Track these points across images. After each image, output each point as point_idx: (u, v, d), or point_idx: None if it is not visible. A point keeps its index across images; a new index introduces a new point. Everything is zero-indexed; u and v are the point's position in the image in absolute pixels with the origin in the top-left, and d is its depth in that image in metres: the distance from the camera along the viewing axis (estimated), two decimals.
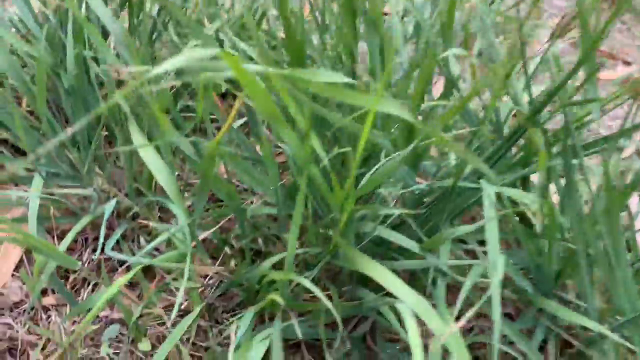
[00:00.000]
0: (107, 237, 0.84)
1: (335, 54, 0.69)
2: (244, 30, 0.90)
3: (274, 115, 0.42)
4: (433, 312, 0.49)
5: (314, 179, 0.54)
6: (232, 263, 0.78)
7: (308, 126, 0.45)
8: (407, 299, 0.51)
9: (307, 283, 0.55)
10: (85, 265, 0.81)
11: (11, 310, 0.76)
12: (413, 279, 0.71)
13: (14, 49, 0.82)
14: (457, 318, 0.48)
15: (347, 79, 0.42)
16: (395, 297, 0.53)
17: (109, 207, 0.74)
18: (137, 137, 0.70)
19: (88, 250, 0.83)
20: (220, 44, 0.81)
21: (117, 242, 0.79)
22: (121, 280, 0.59)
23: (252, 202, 0.86)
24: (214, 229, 0.76)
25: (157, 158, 0.68)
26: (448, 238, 0.61)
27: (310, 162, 0.50)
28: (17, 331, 0.73)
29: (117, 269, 0.82)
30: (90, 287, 0.79)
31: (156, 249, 0.81)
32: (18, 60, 0.83)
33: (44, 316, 0.75)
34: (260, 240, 0.80)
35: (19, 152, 0.92)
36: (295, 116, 0.45)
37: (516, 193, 0.60)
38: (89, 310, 0.67)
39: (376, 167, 0.55)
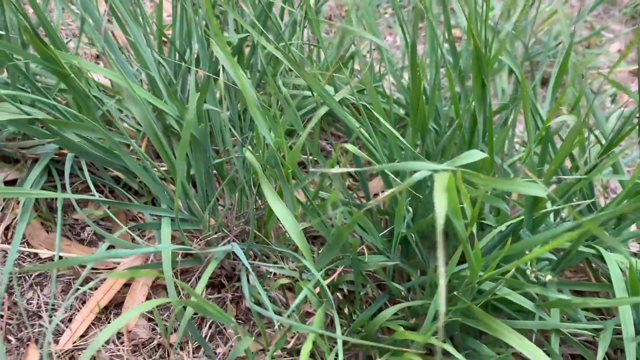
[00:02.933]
0: (229, 278, 0.91)
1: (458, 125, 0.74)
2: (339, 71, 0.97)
3: (456, 211, 0.48)
4: None
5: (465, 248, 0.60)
6: (346, 309, 0.84)
7: (474, 218, 0.51)
8: None
9: (450, 348, 0.61)
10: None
11: (143, 347, 0.83)
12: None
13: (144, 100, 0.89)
14: None
15: (544, 193, 0.47)
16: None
17: (238, 252, 0.80)
18: (269, 193, 0.76)
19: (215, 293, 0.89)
20: None
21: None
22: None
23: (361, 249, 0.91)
24: (332, 277, 0.81)
25: (290, 216, 0.74)
26: (567, 305, 0.65)
27: (467, 242, 0.55)
28: None
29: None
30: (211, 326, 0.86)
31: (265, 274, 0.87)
32: (147, 113, 0.89)
33: (172, 355, 0.82)
34: (370, 288, 0.85)
35: (137, 194, 0.99)
36: (466, 208, 0.51)
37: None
38: None
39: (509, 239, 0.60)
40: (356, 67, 1.34)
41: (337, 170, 0.44)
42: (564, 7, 1.72)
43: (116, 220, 0.84)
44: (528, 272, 0.60)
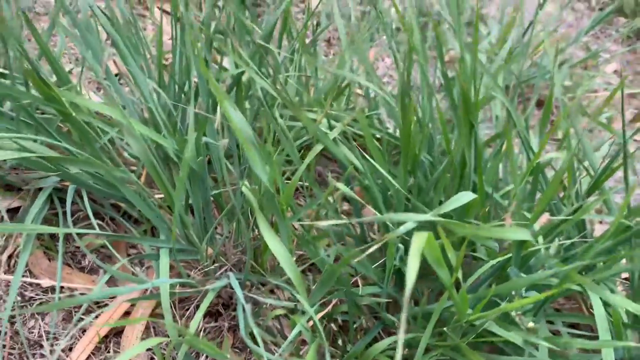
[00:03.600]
0: (226, 306, 0.93)
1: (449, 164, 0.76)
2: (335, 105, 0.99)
3: (439, 261, 0.50)
4: None
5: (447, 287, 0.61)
6: (340, 341, 0.86)
7: (458, 267, 0.53)
8: None
9: None
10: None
11: None
12: None
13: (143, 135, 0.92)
14: None
15: (530, 237, 0.49)
16: None
17: (234, 284, 0.82)
18: (265, 229, 0.78)
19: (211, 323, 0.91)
20: None
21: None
22: None
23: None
24: (327, 310, 0.83)
25: (283, 249, 0.76)
26: (553, 343, 0.67)
27: (452, 287, 0.57)
28: None
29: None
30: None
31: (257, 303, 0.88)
32: (146, 146, 0.92)
33: None
34: (363, 319, 0.87)
35: (137, 222, 1.02)
36: (450, 257, 0.53)
37: (622, 301, 0.66)
38: None
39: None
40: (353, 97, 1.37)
41: (327, 223, 0.46)
42: (560, 28, 1.74)
43: (115, 254, 0.86)
44: (513, 314, 0.62)
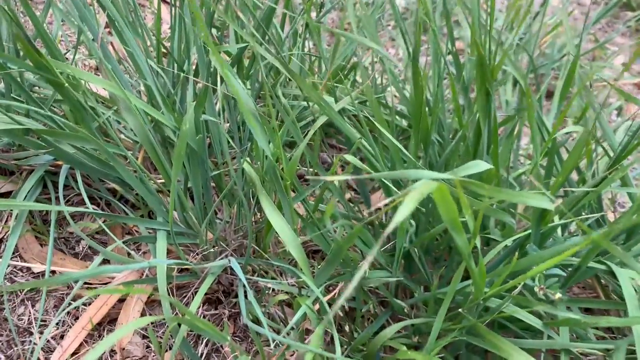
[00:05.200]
0: (226, 294, 0.88)
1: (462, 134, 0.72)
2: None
3: (456, 223, 0.46)
4: None
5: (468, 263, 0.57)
6: (346, 327, 0.81)
7: (476, 231, 0.49)
8: None
9: None
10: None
11: None
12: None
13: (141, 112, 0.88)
14: None
15: (552, 205, 0.45)
16: None
17: (235, 267, 0.77)
18: (268, 206, 0.74)
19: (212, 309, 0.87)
20: None
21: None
22: None
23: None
24: (333, 294, 0.79)
25: (288, 229, 0.72)
26: (577, 324, 0.63)
27: (470, 257, 0.53)
28: None
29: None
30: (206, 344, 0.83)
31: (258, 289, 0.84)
32: (144, 124, 0.88)
33: None
34: (372, 304, 0.82)
35: (133, 207, 0.97)
36: (469, 220, 0.49)
37: None
38: None
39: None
40: (358, 79, 1.33)
41: (336, 178, 0.42)
42: (568, 15, 1.70)
43: (110, 234, 0.82)
44: (536, 289, 0.58)
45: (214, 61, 0.69)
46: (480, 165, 0.60)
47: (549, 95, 1.47)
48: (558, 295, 0.55)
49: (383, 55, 0.69)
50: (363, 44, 0.71)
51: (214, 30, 1.03)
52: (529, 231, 0.67)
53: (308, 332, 0.88)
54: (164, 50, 1.09)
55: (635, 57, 0.86)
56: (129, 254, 0.87)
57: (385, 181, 0.77)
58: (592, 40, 1.68)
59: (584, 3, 1.95)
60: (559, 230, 0.78)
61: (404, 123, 1.12)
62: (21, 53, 0.84)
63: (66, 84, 0.71)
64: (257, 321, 0.83)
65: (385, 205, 0.72)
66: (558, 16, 1.52)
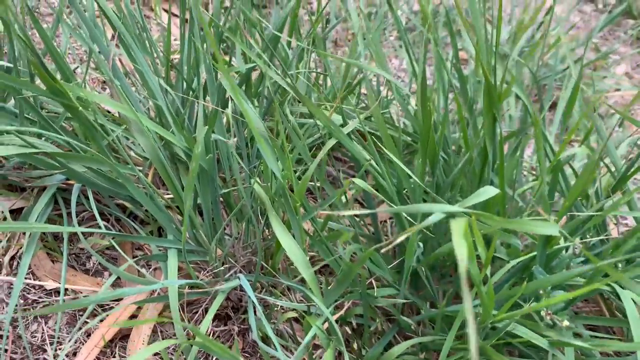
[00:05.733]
0: (235, 309, 0.90)
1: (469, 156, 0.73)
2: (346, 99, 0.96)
3: (472, 256, 0.47)
4: None
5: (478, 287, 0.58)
6: (354, 344, 0.83)
7: (488, 261, 0.50)
8: None
9: None
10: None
11: None
12: None
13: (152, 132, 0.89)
14: None
15: (557, 232, 0.46)
16: None
17: (245, 285, 0.79)
18: (278, 226, 0.75)
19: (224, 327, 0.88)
20: None
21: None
22: None
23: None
24: (341, 312, 0.80)
25: (298, 250, 0.73)
26: (584, 347, 0.64)
27: (481, 284, 0.54)
28: None
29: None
30: None
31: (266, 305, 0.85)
32: (155, 144, 0.89)
33: None
34: (378, 322, 0.84)
35: (143, 222, 0.99)
36: (480, 249, 0.50)
37: None
38: None
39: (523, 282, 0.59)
40: (363, 90, 1.34)
41: (350, 212, 0.43)
42: (569, 30, 1.72)
43: (122, 253, 0.83)
44: (543, 313, 0.59)
45: (224, 83, 0.71)
46: (489, 192, 0.61)
47: (552, 105, 1.48)
48: (565, 322, 0.56)
49: (389, 79, 0.71)
50: (371, 70, 0.72)
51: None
52: (534, 253, 0.68)
53: (316, 347, 0.90)
54: (172, 64, 1.10)
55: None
56: (138, 271, 0.88)
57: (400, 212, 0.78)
58: (593, 49, 1.70)
59: (585, 11, 1.96)
60: (565, 248, 0.80)
61: (409, 137, 1.14)
62: (33, 75, 0.85)
63: (79, 108, 0.72)
64: (266, 337, 0.84)
65: (399, 236, 0.74)
66: (560, 27, 1.54)
